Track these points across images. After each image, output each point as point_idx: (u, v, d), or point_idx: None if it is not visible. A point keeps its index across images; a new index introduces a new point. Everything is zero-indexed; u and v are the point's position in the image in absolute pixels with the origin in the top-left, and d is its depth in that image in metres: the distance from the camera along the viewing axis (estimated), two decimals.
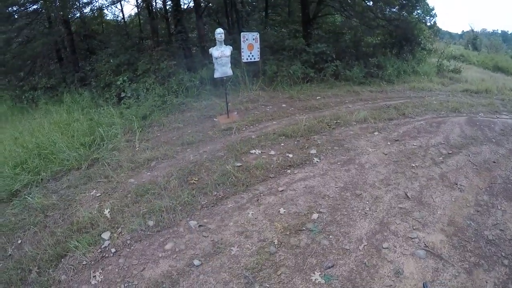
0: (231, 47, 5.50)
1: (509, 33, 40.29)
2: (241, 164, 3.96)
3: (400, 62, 10.35)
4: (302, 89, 7.78)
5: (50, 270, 2.82)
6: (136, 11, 12.31)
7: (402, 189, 3.43)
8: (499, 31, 40.64)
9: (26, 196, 4.10)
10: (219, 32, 5.26)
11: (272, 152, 4.29)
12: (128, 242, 2.88)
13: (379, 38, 11.88)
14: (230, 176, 3.66)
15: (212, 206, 3.22)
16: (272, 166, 3.89)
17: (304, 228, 2.81)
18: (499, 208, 3.18)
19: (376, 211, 3.05)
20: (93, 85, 7.91)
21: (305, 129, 4.99)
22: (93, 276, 2.64)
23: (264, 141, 4.63)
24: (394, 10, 10.97)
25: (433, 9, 13.27)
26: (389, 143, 4.61)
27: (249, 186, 3.50)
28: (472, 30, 30.93)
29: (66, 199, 3.84)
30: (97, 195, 3.75)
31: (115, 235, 2.99)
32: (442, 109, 6.47)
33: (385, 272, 2.34)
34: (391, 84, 9.01)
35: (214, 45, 5.41)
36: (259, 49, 6.62)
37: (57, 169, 4.52)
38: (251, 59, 6.60)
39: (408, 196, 3.29)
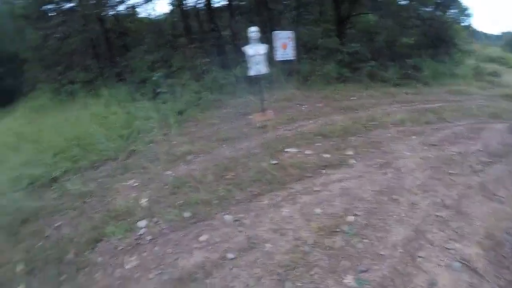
0: (265, 45, 5.49)
1: None
2: (277, 162, 3.95)
3: (436, 63, 9.97)
4: (337, 89, 7.66)
5: (87, 253, 2.93)
6: (169, 9, 12.61)
7: (440, 196, 3.27)
8: None
9: (65, 183, 4.30)
10: (253, 31, 5.28)
11: (308, 152, 4.25)
12: (164, 231, 2.95)
13: (413, 39, 11.57)
14: (266, 173, 3.66)
15: (248, 202, 3.23)
16: (308, 165, 3.85)
17: (339, 230, 2.75)
18: None
19: (412, 218, 2.92)
20: (129, 80, 8.20)
21: (341, 130, 4.92)
22: (128, 261, 2.71)
23: (299, 140, 4.61)
24: (428, 9, 10.65)
25: (468, 9, 12.76)
26: (426, 148, 4.43)
27: (285, 185, 3.47)
28: None
29: (103, 187, 3.99)
30: (135, 185, 3.86)
31: (151, 224, 3.07)
32: (482, 115, 6.16)
33: (419, 282, 2.24)
34: (427, 87, 8.69)
35: (247, 43, 5.42)
36: (293, 48, 6.59)
37: (95, 158, 4.72)
38: (285, 57, 6.59)
39: (445, 204, 3.13)
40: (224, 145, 4.66)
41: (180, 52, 8.45)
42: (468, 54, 12.44)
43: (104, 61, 10.47)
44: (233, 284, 2.29)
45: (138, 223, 3.11)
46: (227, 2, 10.62)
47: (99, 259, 2.83)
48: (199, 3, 11.03)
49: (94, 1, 8.85)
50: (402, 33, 10.94)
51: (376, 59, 9.03)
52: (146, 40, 10.48)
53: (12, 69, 15.75)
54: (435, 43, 10.70)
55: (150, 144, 4.95)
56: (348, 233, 2.72)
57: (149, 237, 2.91)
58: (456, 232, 2.78)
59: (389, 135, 4.85)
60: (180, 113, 6.11)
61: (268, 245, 2.61)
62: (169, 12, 13.00)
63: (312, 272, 2.34)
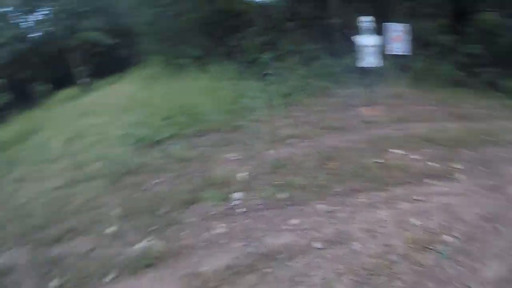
0: (378, 36, 5.27)
1: None
2: (380, 161, 3.83)
3: None
4: (451, 93, 6.99)
5: (179, 211, 3.18)
6: None
7: None
8: None
9: (169, 146, 4.69)
10: (365, 20, 5.10)
11: (414, 156, 4.02)
12: (258, 207, 3.10)
13: None
14: (368, 170, 3.60)
15: (345, 195, 3.21)
16: (412, 171, 3.66)
17: (432, 248, 2.57)
18: None
19: None
20: (238, 59, 8.65)
21: (452, 139, 4.52)
22: (217, 227, 2.89)
23: (406, 142, 4.39)
24: None
25: None
26: None
27: (385, 186, 3.37)
28: None
29: (205, 155, 4.29)
30: (235, 158, 4.10)
31: (246, 197, 3.24)
32: None
33: None
34: None
35: (358, 33, 5.27)
36: (408, 42, 6.05)
37: (200, 128, 5.06)
38: (398, 52, 6.18)
39: None
40: (328, 134, 4.64)
41: (288, 37, 8.60)
42: None
43: (214, 39, 11.16)
44: (313, 273, 2.32)
45: (233, 194, 3.32)
46: None
47: (190, 219, 3.06)
48: None
49: None
50: None
51: (497, 65, 7.99)
52: (256, 22, 10.86)
53: (127, 41, 17.94)
54: None
55: (254, 122, 5.13)
56: (441, 254, 2.54)
57: (241, 210, 3.08)
58: None
59: (506, 155, 4.25)
60: (286, 96, 6.18)
61: (356, 244, 2.58)
62: None
63: (394, 284, 2.26)
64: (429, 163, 3.91)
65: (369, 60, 5.31)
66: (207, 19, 11.02)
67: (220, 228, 2.89)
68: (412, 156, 4.06)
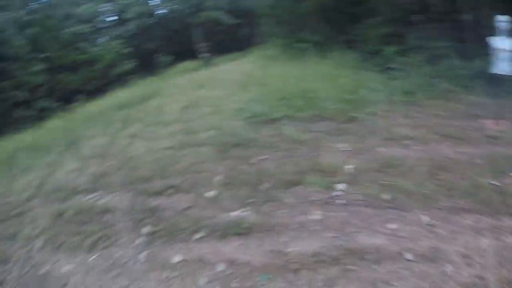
0: None
1: None
2: (497, 183, 3.40)
3: None
4: None
5: (280, 190, 3.28)
6: None
7: None
8: None
9: (282, 126, 4.84)
10: (503, 20, 4.48)
11: None
12: (358, 202, 3.10)
13: None
14: (481, 191, 3.26)
15: (450, 212, 3.00)
16: None
17: None
18: None
19: None
20: (360, 49, 8.48)
21: None
22: (314, 213, 2.96)
23: None
24: None
25: None
26: None
27: (496, 213, 3.02)
28: None
29: (316, 140, 4.39)
30: (346, 149, 4.14)
31: (349, 190, 3.26)
32: None
33: None
34: None
35: (494, 34, 4.67)
36: None
37: (315, 113, 5.15)
38: None
39: None
40: (445, 142, 4.35)
41: (414, 30, 8.10)
42: None
43: (335, 26, 11.06)
44: (396, 283, 2.27)
45: (337, 185, 3.38)
46: None
47: (289, 200, 3.18)
48: None
49: None
50: None
51: None
52: (380, 12, 10.41)
53: (248, 22, 18.93)
54: None
55: (371, 116, 5.03)
56: None
57: (341, 201, 3.14)
58: None
59: None
60: (407, 94, 5.90)
61: (449, 266, 2.46)
62: None
63: None
64: None
65: (503, 66, 4.65)
66: (329, 6, 10.94)
67: (316, 215, 2.96)
68: None
